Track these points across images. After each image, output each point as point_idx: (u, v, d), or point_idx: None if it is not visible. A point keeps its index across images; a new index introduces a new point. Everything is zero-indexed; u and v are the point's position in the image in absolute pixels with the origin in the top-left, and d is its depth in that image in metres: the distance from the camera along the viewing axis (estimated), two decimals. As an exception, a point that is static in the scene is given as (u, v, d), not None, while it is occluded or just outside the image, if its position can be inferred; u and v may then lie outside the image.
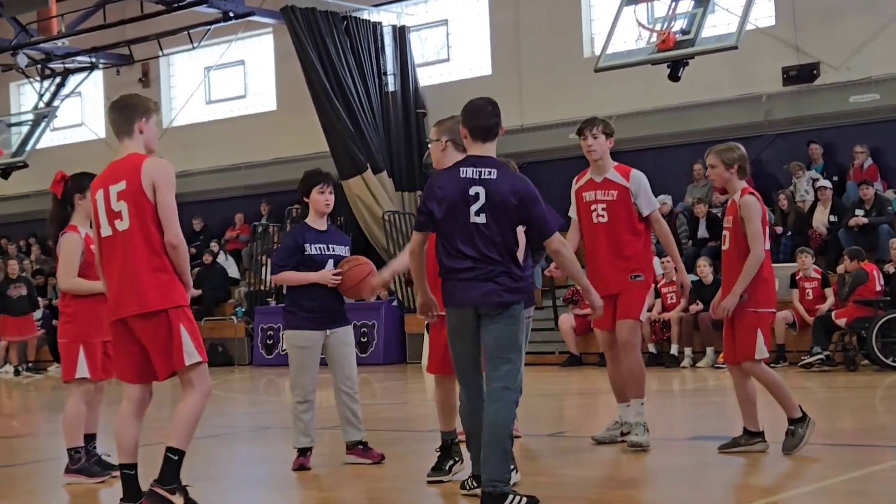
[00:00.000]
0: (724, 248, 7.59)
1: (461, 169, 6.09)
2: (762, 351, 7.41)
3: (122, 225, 6.04)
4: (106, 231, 6.12)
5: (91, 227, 6.82)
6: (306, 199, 7.78)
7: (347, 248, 7.85)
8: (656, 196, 18.97)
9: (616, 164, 8.16)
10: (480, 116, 6.16)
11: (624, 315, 7.98)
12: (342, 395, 7.68)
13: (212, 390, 6.14)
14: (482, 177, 6.03)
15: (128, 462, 6.19)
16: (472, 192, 6.01)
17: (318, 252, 7.62)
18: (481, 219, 5.99)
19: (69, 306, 7.50)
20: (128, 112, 6.26)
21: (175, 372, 6.03)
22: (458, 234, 6.03)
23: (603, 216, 8.01)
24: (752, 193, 7.49)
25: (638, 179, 8.09)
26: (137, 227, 6.00)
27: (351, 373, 7.72)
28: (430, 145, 6.82)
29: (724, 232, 7.58)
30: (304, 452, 7.60)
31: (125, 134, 6.25)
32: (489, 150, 6.15)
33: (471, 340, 6.13)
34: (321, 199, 7.73)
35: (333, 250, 7.70)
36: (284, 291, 8.00)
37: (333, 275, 7.55)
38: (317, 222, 7.74)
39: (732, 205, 7.52)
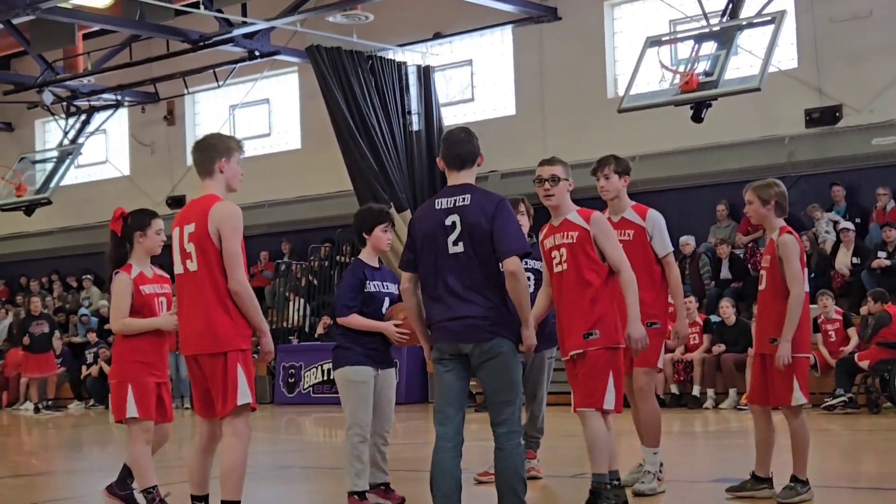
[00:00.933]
0: (760, 287, 7.44)
1: (437, 201, 6.03)
2: (799, 398, 7.22)
3: (192, 266, 6.22)
4: (179, 269, 6.32)
5: (150, 264, 7.22)
6: (366, 236, 7.66)
7: (397, 286, 7.76)
8: (679, 237, 19.05)
9: (634, 203, 8.07)
10: (453, 145, 6.11)
11: (641, 363, 7.88)
12: (377, 436, 7.61)
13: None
14: (456, 204, 5.95)
15: (197, 494, 6.39)
16: (448, 221, 5.93)
17: (377, 290, 7.57)
18: (459, 247, 5.89)
19: (119, 346, 7.49)
20: (209, 152, 6.37)
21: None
22: (438, 267, 5.93)
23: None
24: (790, 232, 7.35)
25: (654, 219, 7.96)
26: (204, 269, 6.16)
27: (391, 415, 7.69)
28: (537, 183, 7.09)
29: (762, 272, 7.45)
30: (362, 496, 7.45)
31: (206, 174, 6.37)
32: (466, 178, 6.06)
33: (457, 375, 6.00)
34: (384, 237, 7.67)
35: (388, 288, 7.66)
36: (334, 331, 7.98)
37: (398, 333, 7.47)
38: (372, 259, 7.68)
39: (771, 244, 7.39)
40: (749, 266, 17.45)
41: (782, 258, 7.24)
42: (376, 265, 7.70)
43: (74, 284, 27.11)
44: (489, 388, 5.94)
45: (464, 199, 5.96)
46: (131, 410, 7.27)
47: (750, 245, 17.80)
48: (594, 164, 8.12)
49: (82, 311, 25.12)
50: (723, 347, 16.23)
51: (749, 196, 7.45)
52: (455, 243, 5.90)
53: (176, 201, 25.25)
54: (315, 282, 22.66)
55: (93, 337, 23.52)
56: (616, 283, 6.91)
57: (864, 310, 15.37)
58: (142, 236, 7.51)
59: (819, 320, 15.56)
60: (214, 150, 6.37)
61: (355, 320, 7.51)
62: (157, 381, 7.30)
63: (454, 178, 6.08)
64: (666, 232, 8.00)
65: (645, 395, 7.93)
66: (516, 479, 5.89)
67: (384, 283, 7.64)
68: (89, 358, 23.17)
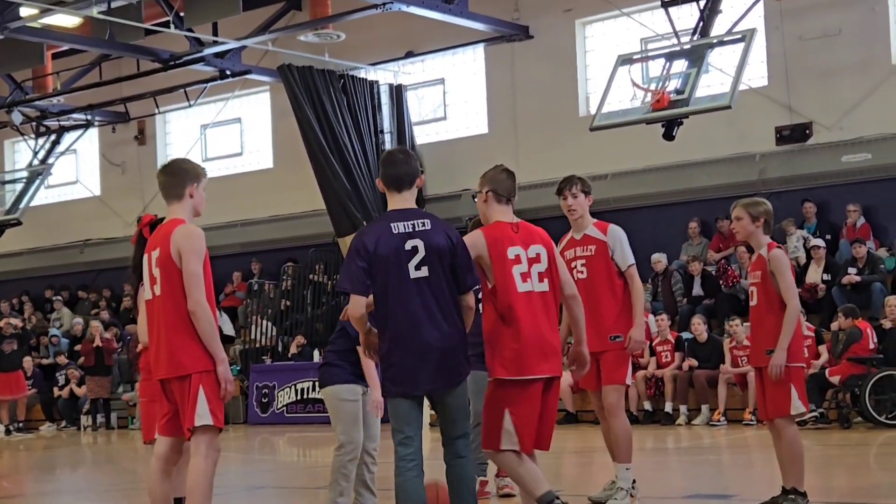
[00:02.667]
0: (751, 304, 7.47)
1: (392, 224, 5.93)
2: (798, 406, 7.24)
3: (158, 290, 6.24)
4: (148, 294, 6.36)
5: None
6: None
7: None
8: (651, 254, 19.11)
9: (596, 220, 8.16)
10: (391, 165, 6.07)
11: (609, 380, 7.93)
12: (366, 456, 7.55)
13: (218, 458, 6.21)
14: (416, 229, 5.92)
15: None
16: (408, 246, 5.89)
17: None
18: (423, 272, 5.86)
19: (146, 362, 7.32)
20: (181, 176, 6.38)
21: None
22: (397, 294, 5.85)
23: (582, 272, 7.97)
24: (779, 247, 7.45)
25: (615, 234, 8.06)
26: (168, 293, 6.19)
27: (378, 434, 7.65)
28: (474, 199, 6.71)
29: (752, 288, 7.47)
30: None
31: (175, 198, 6.37)
32: (410, 200, 6.04)
33: (419, 405, 6.01)
34: None
35: None
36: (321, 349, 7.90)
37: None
38: None
39: (759, 260, 7.42)
40: (721, 283, 17.51)
41: (775, 272, 7.29)
42: None
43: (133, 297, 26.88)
44: (454, 406, 5.98)
45: (423, 223, 5.94)
46: None
47: (722, 262, 17.87)
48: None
49: (52, 331, 24.95)
50: (695, 364, 16.28)
51: (738, 212, 7.49)
52: (418, 268, 5.87)
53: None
54: (287, 301, 22.59)
55: (62, 359, 23.37)
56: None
57: (834, 325, 15.45)
58: None
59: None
60: (187, 174, 6.39)
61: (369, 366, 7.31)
62: None
63: (398, 201, 6.04)
64: (627, 245, 8.06)
65: (615, 411, 7.96)
66: (474, 486, 6.11)
67: None
68: (61, 380, 23.01)
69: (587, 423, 16.70)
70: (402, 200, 6.05)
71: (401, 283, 5.86)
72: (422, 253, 5.88)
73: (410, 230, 5.91)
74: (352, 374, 7.39)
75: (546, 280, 6.29)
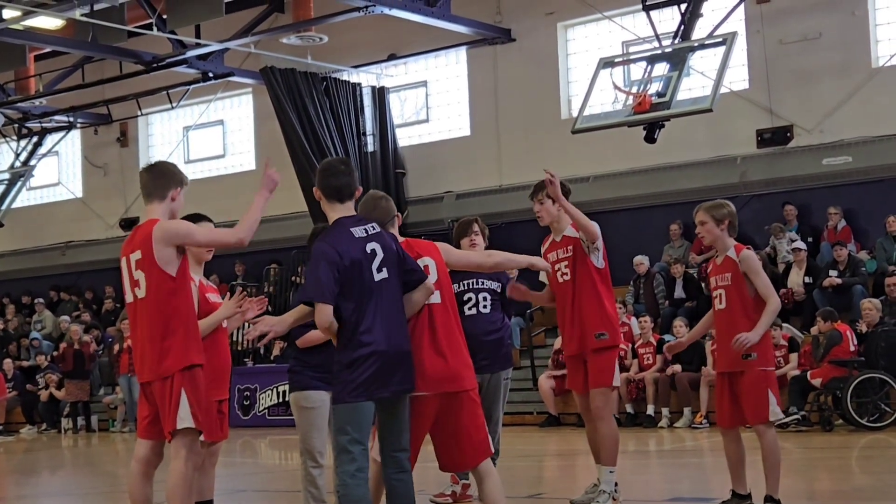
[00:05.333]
0: (719, 307, 7.38)
1: (351, 230, 5.91)
2: (776, 412, 7.24)
3: (140, 293, 6.23)
4: (129, 298, 6.33)
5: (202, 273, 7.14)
6: None
7: None
8: (633, 256, 19.13)
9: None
10: (331, 175, 6.01)
11: (596, 383, 7.92)
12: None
13: (198, 462, 6.19)
14: (369, 233, 5.93)
15: None
16: (368, 249, 5.88)
17: None
18: (384, 274, 5.87)
19: None
20: (166, 178, 6.40)
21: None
22: (363, 297, 5.81)
23: (566, 274, 7.95)
24: (747, 248, 7.42)
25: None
26: (152, 294, 6.18)
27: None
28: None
29: (719, 291, 7.37)
30: None
31: (158, 198, 6.35)
32: (351, 210, 6.02)
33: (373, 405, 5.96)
34: None
35: None
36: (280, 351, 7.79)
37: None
38: None
39: (727, 262, 7.36)
40: (702, 286, 17.56)
41: (749, 273, 7.26)
42: None
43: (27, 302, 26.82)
44: (404, 415, 5.94)
45: (373, 226, 5.98)
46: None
47: (704, 265, 17.92)
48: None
49: (33, 334, 24.85)
50: (677, 367, 16.31)
51: (702, 216, 7.45)
52: (379, 270, 5.87)
53: (129, 223, 25.07)
54: (270, 307, 22.54)
55: (42, 360, 23.28)
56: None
57: (814, 330, 15.50)
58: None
59: (771, 343, 15.65)
60: (173, 177, 6.41)
61: (311, 336, 7.23)
62: (218, 398, 7.08)
63: (342, 211, 5.99)
64: (600, 241, 8.00)
65: (602, 414, 7.95)
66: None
67: None
68: (41, 382, 22.93)
69: (569, 425, 16.73)
70: (346, 210, 6.01)
71: (368, 286, 5.84)
72: (380, 255, 5.88)
73: (365, 234, 5.92)
74: (313, 378, 7.28)
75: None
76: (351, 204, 6.02)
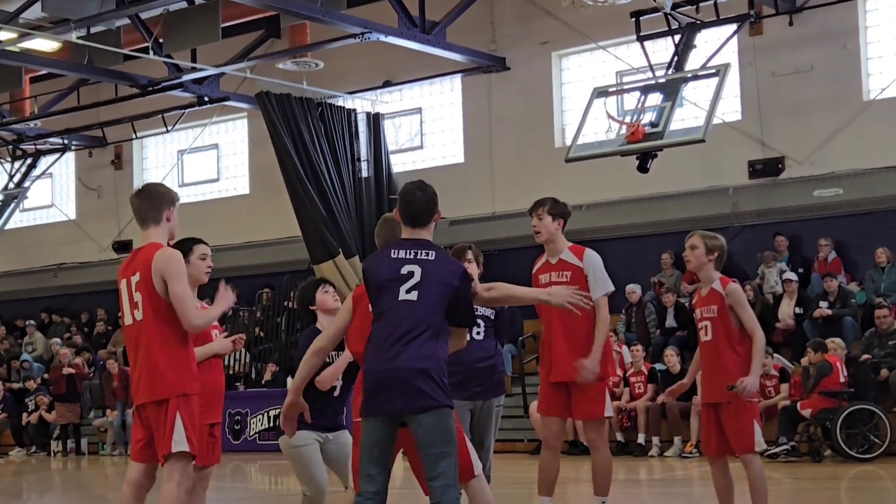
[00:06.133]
0: (705, 338, 7.43)
1: (392, 250, 5.99)
2: (761, 442, 7.31)
3: (139, 315, 6.25)
4: (128, 320, 6.34)
5: (197, 295, 7.09)
6: (313, 308, 7.55)
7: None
8: (625, 285, 19.14)
9: (571, 244, 8.11)
10: (409, 204, 6.07)
11: (588, 414, 7.92)
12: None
13: (190, 486, 6.21)
14: (418, 257, 5.93)
15: None
16: (404, 270, 5.90)
17: (331, 361, 7.28)
18: (412, 296, 5.85)
19: None
20: (158, 200, 6.41)
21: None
22: (388, 315, 5.86)
23: None
24: (733, 281, 7.48)
25: (591, 259, 8.00)
26: (151, 317, 6.21)
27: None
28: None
29: (705, 322, 7.42)
30: None
31: (153, 221, 6.38)
32: (422, 234, 6.04)
33: (388, 431, 5.86)
34: (328, 297, 7.56)
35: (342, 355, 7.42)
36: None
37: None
38: (325, 326, 7.40)
39: (713, 294, 7.42)
40: (694, 315, 17.58)
41: (735, 306, 7.32)
42: None
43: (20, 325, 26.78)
44: (424, 440, 5.77)
45: (428, 253, 5.95)
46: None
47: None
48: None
49: (24, 356, 24.81)
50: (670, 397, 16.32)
51: (695, 241, 7.48)
52: (409, 291, 5.88)
53: (122, 246, 25.10)
54: (261, 331, 22.55)
55: (31, 384, 23.23)
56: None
57: (804, 360, 15.54)
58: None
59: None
60: (164, 198, 6.43)
61: (326, 376, 7.18)
62: (210, 421, 7.11)
63: (408, 233, 6.07)
64: (603, 271, 7.99)
65: (597, 444, 7.94)
66: None
67: (338, 353, 7.34)
68: (30, 405, 22.88)
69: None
70: (415, 234, 6.06)
71: (392, 305, 5.88)
72: (416, 279, 5.88)
73: (410, 257, 5.95)
74: (300, 420, 6.94)
75: None
76: (424, 230, 6.05)
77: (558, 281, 7.93)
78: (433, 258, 5.96)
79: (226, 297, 6.80)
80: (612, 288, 8.07)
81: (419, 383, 5.73)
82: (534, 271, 8.18)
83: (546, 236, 8.04)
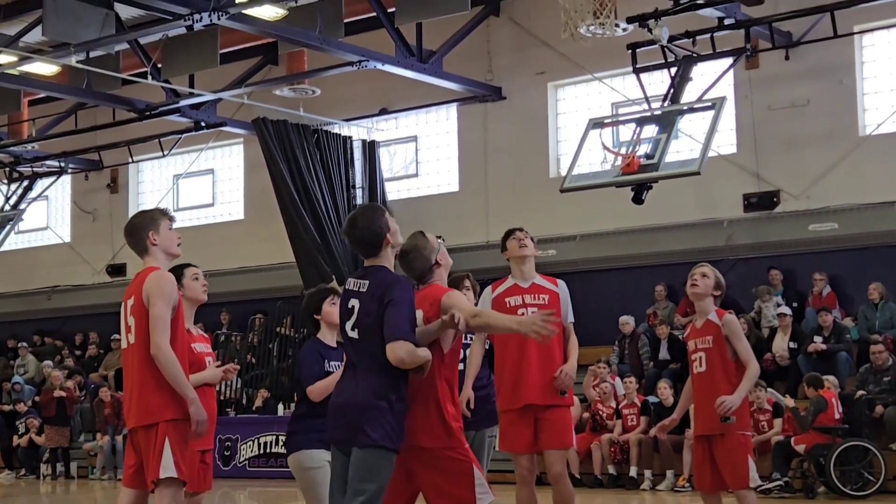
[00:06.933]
0: (699, 369, 7.43)
1: (348, 282, 6.01)
2: (756, 478, 7.27)
3: (132, 338, 6.24)
4: (124, 343, 6.36)
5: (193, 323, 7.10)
6: (318, 317, 7.40)
7: None
8: (619, 316, 19.11)
9: (539, 273, 8.18)
10: (350, 230, 6.01)
11: (555, 444, 7.90)
12: None
13: None
14: (359, 289, 5.89)
15: None
16: (349, 304, 5.90)
17: (335, 370, 7.17)
18: (355, 333, 5.84)
19: None
20: (137, 232, 6.42)
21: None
22: (345, 351, 5.96)
23: None
24: (730, 313, 7.52)
25: (564, 287, 8.13)
26: (141, 340, 6.19)
27: None
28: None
29: (699, 354, 7.43)
30: None
31: (142, 252, 6.43)
32: (375, 262, 5.96)
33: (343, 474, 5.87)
34: (335, 310, 7.20)
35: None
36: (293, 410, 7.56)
37: None
38: (328, 338, 7.37)
39: (708, 325, 7.43)
40: (687, 346, 17.54)
41: (731, 337, 7.34)
42: (333, 345, 7.40)
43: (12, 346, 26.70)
44: (350, 472, 5.78)
45: (364, 283, 5.91)
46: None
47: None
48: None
49: (16, 378, 24.72)
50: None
51: (708, 271, 7.53)
52: (353, 328, 5.89)
53: (116, 269, 25.08)
54: (253, 358, 22.49)
55: (22, 407, 23.13)
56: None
57: (800, 404, 15.39)
58: (180, 288, 6.99)
59: (751, 408, 15.64)
60: (141, 227, 6.43)
61: (321, 385, 7.10)
62: (202, 448, 7.09)
63: (368, 261, 6.04)
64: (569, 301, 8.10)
65: (562, 478, 7.94)
66: None
67: (341, 363, 7.20)
68: (21, 428, 22.78)
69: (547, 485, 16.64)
70: (372, 261, 6.04)
71: (346, 342, 5.98)
72: (355, 314, 5.88)
73: (355, 289, 5.93)
74: (315, 439, 7.03)
75: None
76: (377, 258, 5.96)
77: (534, 303, 7.92)
78: (366, 288, 5.87)
79: (217, 374, 6.92)
80: (573, 319, 8.16)
81: (364, 418, 5.74)
82: (496, 294, 8.09)
83: (531, 253, 8.08)
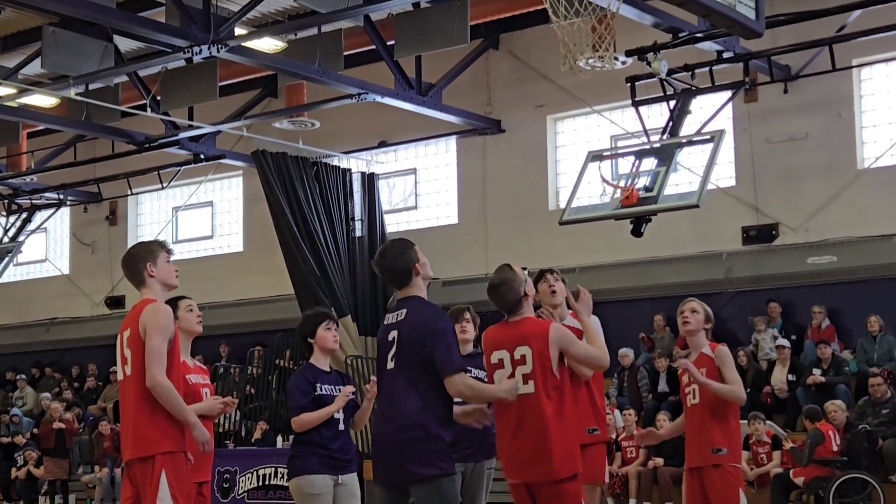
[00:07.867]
0: (692, 402, 7.45)
1: (387, 315, 6.02)
2: None
3: (129, 370, 6.23)
4: (120, 375, 6.35)
5: (190, 355, 7.16)
6: (311, 340, 7.41)
7: (353, 389, 7.46)
8: (618, 349, 19.09)
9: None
10: (380, 265, 6.08)
11: (586, 479, 7.84)
12: None
13: None
14: (397, 319, 5.91)
15: None
16: (389, 337, 5.90)
17: (328, 393, 7.26)
18: (392, 364, 5.84)
19: None
20: (134, 263, 6.43)
21: None
22: (381, 387, 5.90)
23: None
24: (723, 345, 7.55)
25: (597, 321, 7.87)
26: (137, 372, 6.18)
27: None
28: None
29: (692, 387, 7.45)
30: None
31: (140, 283, 6.43)
32: (408, 292, 6.01)
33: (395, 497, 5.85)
34: (329, 335, 7.40)
35: (340, 392, 7.34)
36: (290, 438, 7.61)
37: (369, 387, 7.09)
38: (321, 362, 7.39)
39: (702, 358, 7.48)
40: (681, 380, 17.51)
41: (722, 366, 7.37)
42: (326, 369, 7.43)
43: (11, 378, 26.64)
44: None
45: (402, 313, 5.93)
46: None
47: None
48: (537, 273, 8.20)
49: (14, 410, 24.65)
50: (660, 461, 16.24)
51: (697, 306, 7.58)
52: (391, 359, 5.88)
53: (115, 301, 25.05)
54: (252, 389, 22.43)
55: (20, 439, 23.04)
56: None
57: (797, 440, 15.34)
58: (175, 320, 7.01)
59: (750, 441, 15.60)
60: (138, 258, 6.44)
61: (306, 418, 7.18)
62: (198, 479, 7.07)
63: (400, 293, 6.08)
64: None
65: None
66: None
67: (337, 388, 7.34)
68: (19, 460, 22.70)
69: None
70: (404, 293, 6.08)
71: (383, 376, 5.93)
72: (395, 345, 5.88)
73: (393, 321, 5.95)
74: (318, 463, 7.11)
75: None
76: (409, 287, 6.00)
77: None
78: (404, 316, 5.92)
79: (215, 406, 6.92)
80: None
81: (407, 454, 5.73)
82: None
83: (561, 301, 7.96)
